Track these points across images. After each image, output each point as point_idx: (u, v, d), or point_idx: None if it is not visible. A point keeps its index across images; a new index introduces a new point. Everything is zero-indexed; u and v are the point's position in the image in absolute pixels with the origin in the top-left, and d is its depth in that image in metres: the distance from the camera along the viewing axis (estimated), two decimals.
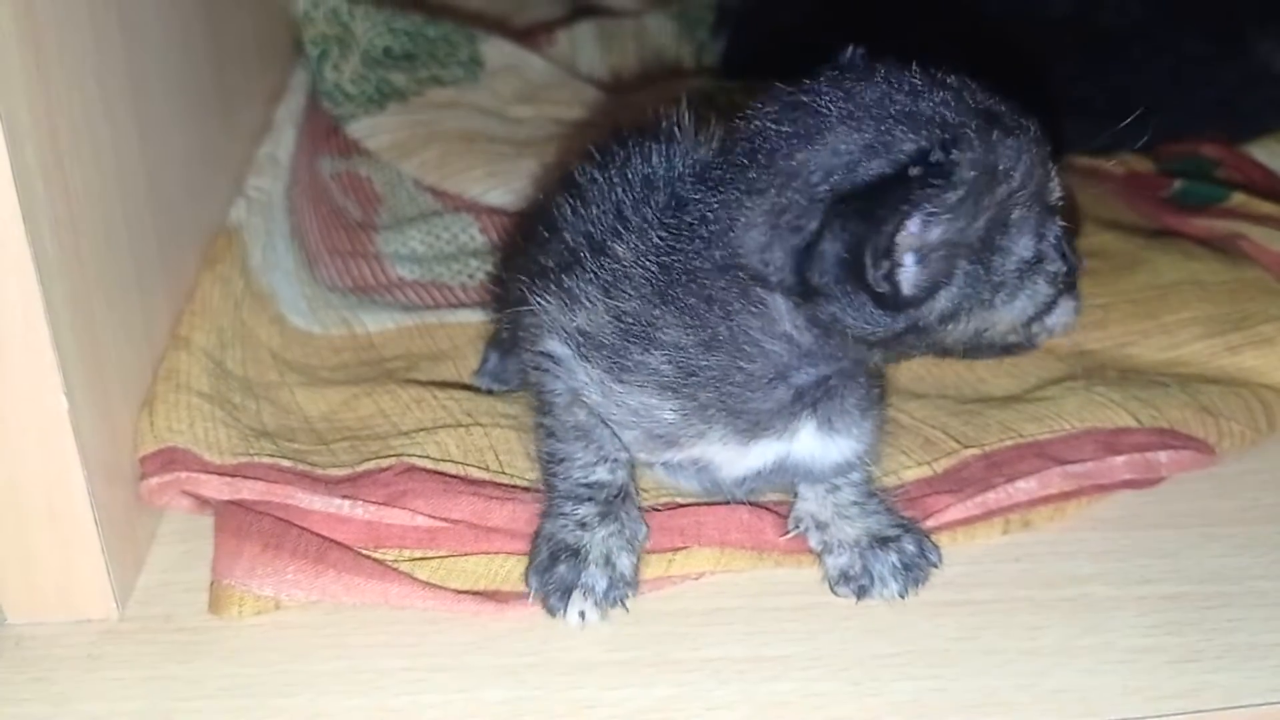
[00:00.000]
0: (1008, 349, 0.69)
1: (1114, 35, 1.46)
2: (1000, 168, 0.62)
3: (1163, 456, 0.85)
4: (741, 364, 0.68)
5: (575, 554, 0.73)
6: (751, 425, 0.71)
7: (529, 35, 1.68)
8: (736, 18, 1.68)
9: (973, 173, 0.61)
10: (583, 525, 0.74)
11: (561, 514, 0.75)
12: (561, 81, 1.54)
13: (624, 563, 0.74)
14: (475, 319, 1.06)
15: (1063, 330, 0.70)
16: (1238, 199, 1.15)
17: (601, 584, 0.73)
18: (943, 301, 0.64)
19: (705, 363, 0.68)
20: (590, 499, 0.74)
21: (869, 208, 0.60)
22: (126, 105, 0.83)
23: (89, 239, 0.74)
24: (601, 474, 0.75)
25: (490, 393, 0.96)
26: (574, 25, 1.71)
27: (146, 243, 0.86)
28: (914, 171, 0.60)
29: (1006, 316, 0.66)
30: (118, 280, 0.80)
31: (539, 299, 0.73)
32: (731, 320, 0.67)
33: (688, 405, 0.70)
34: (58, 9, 0.72)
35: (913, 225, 0.61)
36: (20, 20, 0.66)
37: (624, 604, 0.74)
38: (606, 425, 0.73)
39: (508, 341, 0.95)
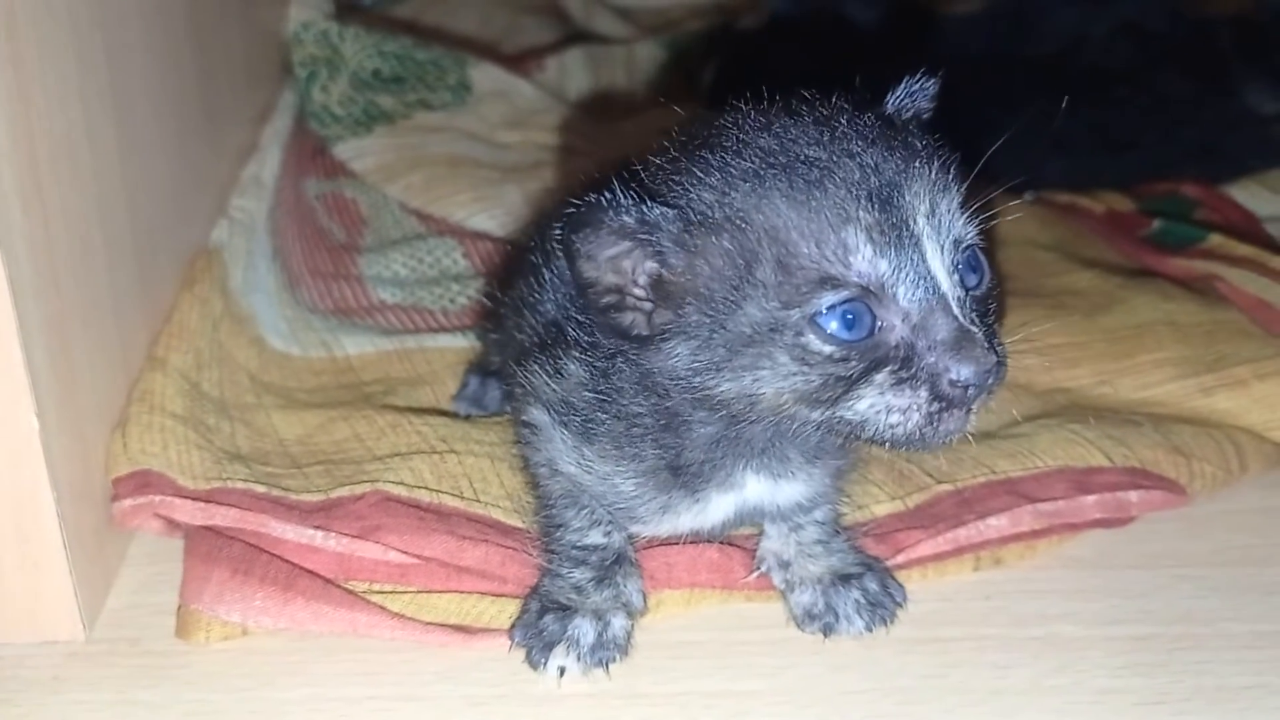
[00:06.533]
0: (855, 436, 0.63)
1: (1099, 74, 1.48)
2: (736, 223, 0.60)
3: (1133, 496, 0.85)
4: (655, 408, 0.68)
5: (564, 610, 0.73)
6: (693, 479, 0.70)
7: (519, 61, 1.69)
8: (725, 48, 1.69)
9: (687, 220, 0.61)
10: (578, 589, 0.74)
11: (558, 576, 0.75)
12: (549, 108, 1.55)
13: (617, 625, 0.73)
14: (455, 344, 1.07)
15: (891, 437, 0.61)
16: (1215, 240, 1.16)
17: (589, 638, 0.72)
18: (682, 348, 0.62)
19: (638, 409, 0.68)
20: (585, 562, 0.74)
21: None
22: (109, 127, 0.84)
23: (66, 261, 0.75)
24: (596, 537, 0.75)
25: (468, 418, 0.96)
26: (564, 52, 1.72)
27: (125, 263, 0.87)
28: (601, 200, 0.60)
29: (761, 386, 0.61)
30: (94, 301, 0.80)
31: (524, 370, 0.74)
32: (622, 371, 0.68)
33: (640, 469, 0.70)
34: (40, 31, 0.72)
35: (605, 248, 0.61)
36: (0, 43, 0.66)
37: (608, 668, 0.72)
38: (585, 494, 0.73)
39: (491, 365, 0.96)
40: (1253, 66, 1.56)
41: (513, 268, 0.86)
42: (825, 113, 0.64)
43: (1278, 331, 1.00)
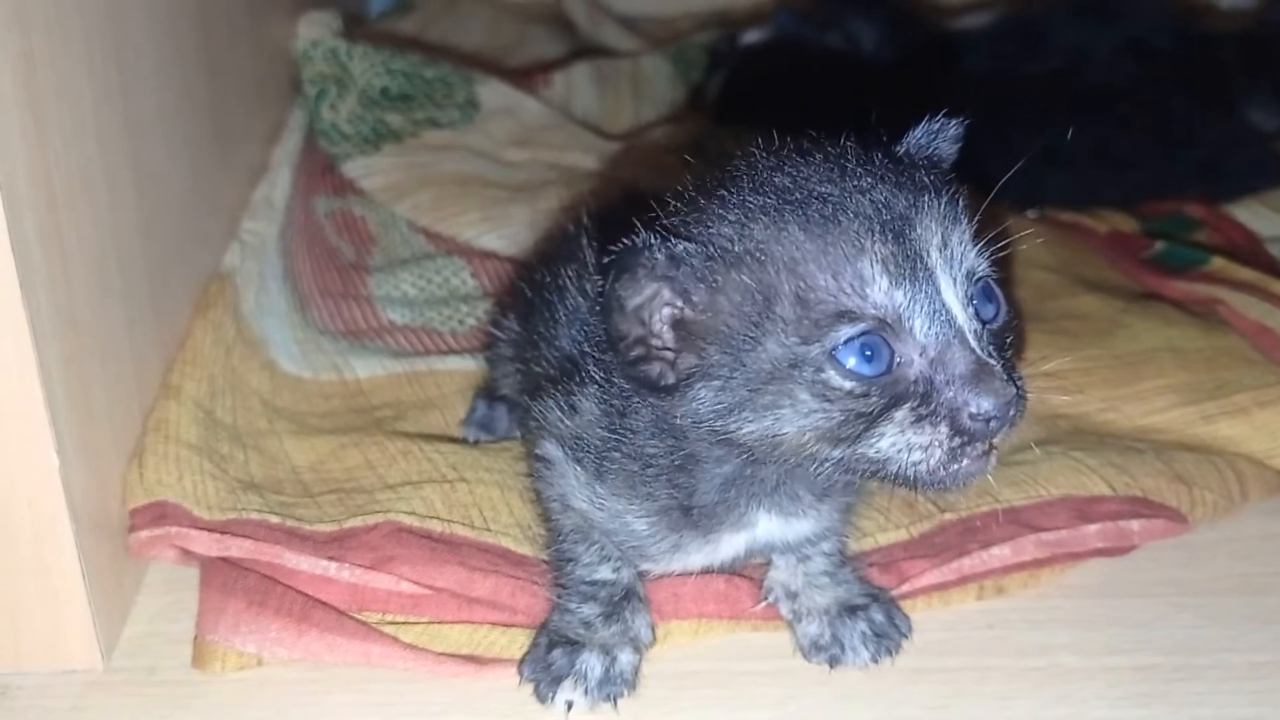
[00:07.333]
0: (875, 474, 0.63)
1: (1102, 92, 1.48)
2: (756, 256, 0.61)
3: (1135, 525, 0.86)
4: (671, 449, 0.68)
5: (572, 644, 0.74)
6: (706, 519, 0.71)
7: (525, 76, 1.70)
8: (730, 63, 1.70)
9: (708, 256, 0.61)
10: (586, 624, 0.75)
11: (567, 611, 0.76)
12: (556, 125, 1.56)
13: (624, 660, 0.74)
14: (464, 367, 1.08)
15: (915, 475, 0.62)
16: (1217, 264, 1.17)
17: (597, 673, 0.73)
18: (705, 391, 0.63)
19: (653, 450, 0.69)
20: (594, 598, 0.75)
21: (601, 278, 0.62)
22: (124, 161, 0.85)
23: (83, 297, 0.76)
24: (605, 573, 0.76)
25: (476, 444, 0.97)
26: (570, 67, 1.72)
27: (140, 294, 0.88)
28: (629, 245, 0.61)
29: (783, 425, 0.62)
30: (110, 334, 0.81)
31: (540, 404, 0.74)
32: (638, 412, 0.69)
33: (652, 509, 0.71)
34: (58, 73, 0.74)
35: (635, 296, 0.61)
36: (20, 88, 0.68)
37: (615, 702, 0.73)
38: (595, 530, 0.74)
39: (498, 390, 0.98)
40: (1256, 82, 1.57)
41: (528, 297, 0.87)
42: (833, 151, 0.65)
43: (1279, 358, 1.01)
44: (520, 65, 1.80)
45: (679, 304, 0.62)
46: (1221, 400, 0.96)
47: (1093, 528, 0.85)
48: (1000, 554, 0.83)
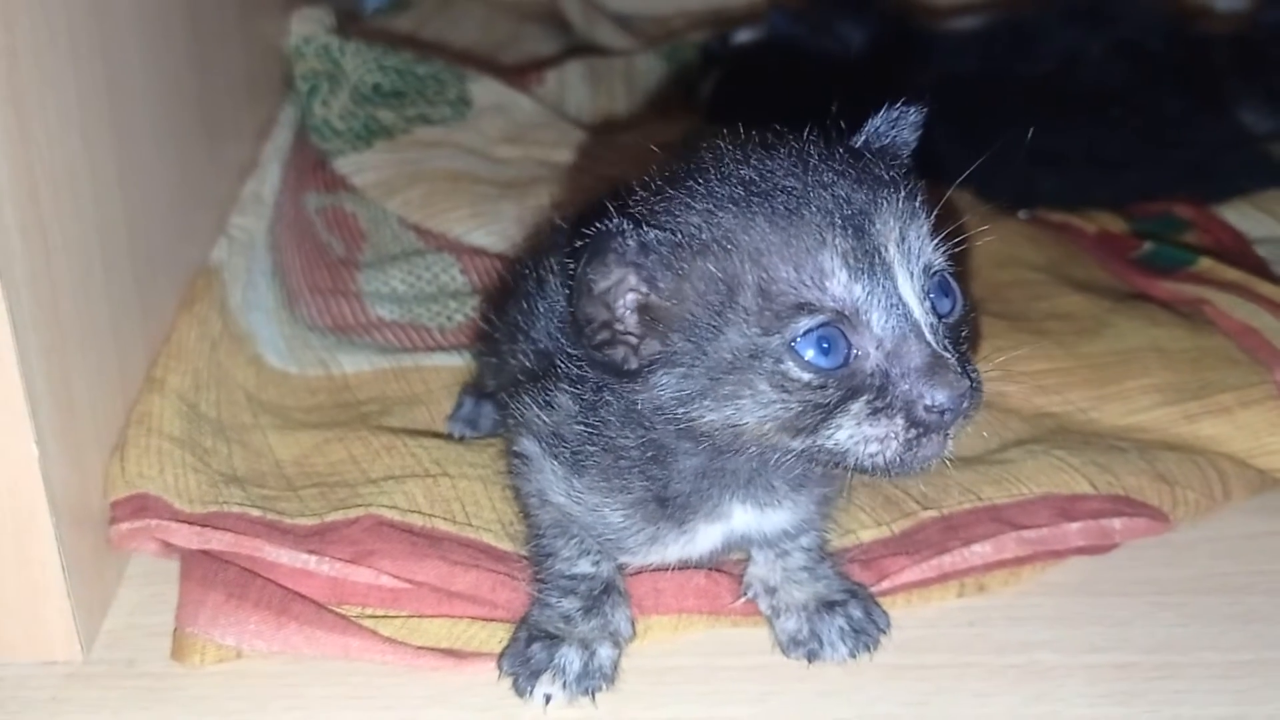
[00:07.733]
0: (837, 464, 0.64)
1: (1094, 93, 1.49)
2: (723, 245, 0.61)
3: (1117, 524, 0.86)
4: (641, 440, 0.69)
5: (552, 639, 0.74)
6: (681, 511, 0.71)
7: (518, 74, 1.70)
8: (723, 62, 1.70)
9: (676, 243, 0.62)
10: (566, 619, 0.75)
11: (546, 605, 0.76)
12: (548, 122, 1.56)
13: (603, 654, 0.74)
14: (451, 363, 1.08)
15: (872, 465, 0.63)
16: (1205, 264, 1.17)
17: (575, 667, 0.73)
18: (668, 379, 0.64)
19: (624, 442, 0.69)
20: (574, 592, 0.75)
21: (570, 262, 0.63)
22: (110, 154, 0.85)
23: (66, 290, 0.76)
24: (585, 566, 0.76)
25: (461, 440, 0.97)
26: (563, 65, 1.73)
27: (124, 287, 0.88)
28: (603, 229, 0.61)
29: (743, 415, 0.63)
30: (93, 327, 0.81)
31: (517, 401, 0.75)
32: (609, 404, 0.69)
33: (627, 501, 0.71)
34: (42, 65, 0.74)
35: (603, 280, 0.62)
36: (2, 83, 0.68)
37: (594, 696, 0.73)
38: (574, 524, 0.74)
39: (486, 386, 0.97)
40: (1248, 85, 1.57)
41: (509, 292, 0.88)
42: (796, 146, 0.65)
43: (1264, 358, 1.01)
44: (514, 63, 1.81)
45: (645, 289, 0.63)
46: (1205, 400, 0.96)
47: (1074, 526, 0.85)
48: (981, 551, 0.83)
